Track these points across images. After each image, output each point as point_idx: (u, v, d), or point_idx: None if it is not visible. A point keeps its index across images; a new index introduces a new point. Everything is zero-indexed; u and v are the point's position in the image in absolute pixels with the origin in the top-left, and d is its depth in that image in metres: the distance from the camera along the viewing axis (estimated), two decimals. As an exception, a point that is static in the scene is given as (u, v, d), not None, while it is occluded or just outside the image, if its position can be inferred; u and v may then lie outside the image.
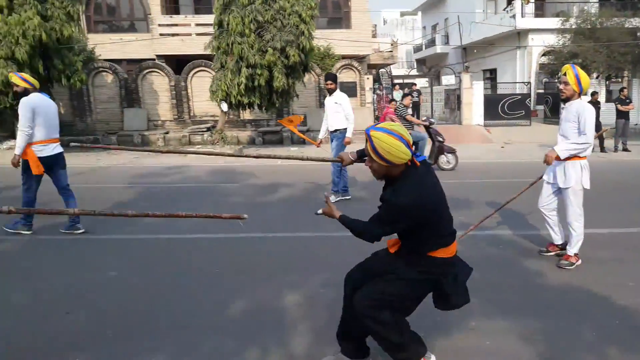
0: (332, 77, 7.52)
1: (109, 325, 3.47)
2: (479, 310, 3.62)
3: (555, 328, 3.40)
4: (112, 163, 12.88)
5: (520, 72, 25.84)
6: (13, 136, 16.21)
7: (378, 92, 24.23)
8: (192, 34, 21.33)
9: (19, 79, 5.61)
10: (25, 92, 5.59)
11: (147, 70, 19.18)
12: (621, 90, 15.14)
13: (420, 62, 39.99)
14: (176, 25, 21.73)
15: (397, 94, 20.84)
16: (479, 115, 20.37)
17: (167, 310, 3.72)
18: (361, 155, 3.01)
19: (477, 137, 17.97)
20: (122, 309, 3.75)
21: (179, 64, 20.87)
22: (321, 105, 19.88)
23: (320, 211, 2.83)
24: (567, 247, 4.62)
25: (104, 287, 4.20)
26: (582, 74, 4.29)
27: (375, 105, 21.85)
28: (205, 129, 18.01)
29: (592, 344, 3.18)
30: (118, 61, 20.79)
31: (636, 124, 18.60)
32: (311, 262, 4.83)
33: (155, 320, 3.55)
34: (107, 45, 20.50)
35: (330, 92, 7.54)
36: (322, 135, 7.79)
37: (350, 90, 20.02)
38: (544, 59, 24.91)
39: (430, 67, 32.84)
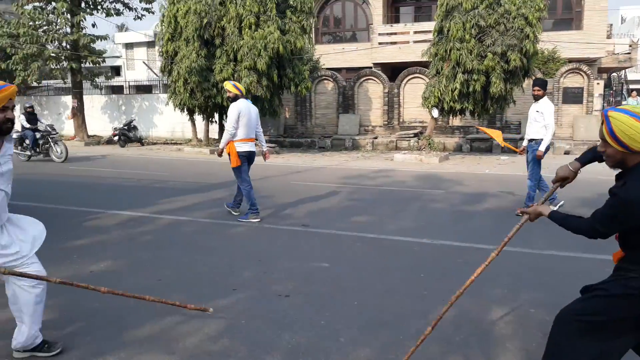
0: (540, 83, 7.06)
1: (319, 311, 3.83)
2: None
3: None
4: (326, 164, 13.97)
5: None
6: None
7: (610, 98, 21.45)
8: (409, 41, 21.85)
9: (232, 87, 6.69)
10: (235, 98, 6.65)
11: (364, 78, 20.26)
12: None
13: (668, 64, 34.03)
14: (395, 33, 22.50)
15: (633, 102, 18.15)
16: None
17: (370, 305, 3.93)
18: (585, 162, 2.65)
19: None
20: (331, 298, 4.09)
21: (394, 71, 21.59)
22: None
23: (520, 212, 2.69)
24: None
25: (317, 276, 4.64)
26: None
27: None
28: (412, 135, 18.26)
29: None
30: (338, 69, 22.46)
31: None
32: (517, 278, 4.56)
33: (359, 313, 3.79)
34: (330, 55, 22.30)
35: (537, 98, 7.06)
36: (524, 143, 7.37)
37: (576, 96, 18.16)
38: None
39: (682, 70, 27.68)
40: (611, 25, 26.01)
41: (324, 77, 20.77)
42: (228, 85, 6.73)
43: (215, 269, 4.81)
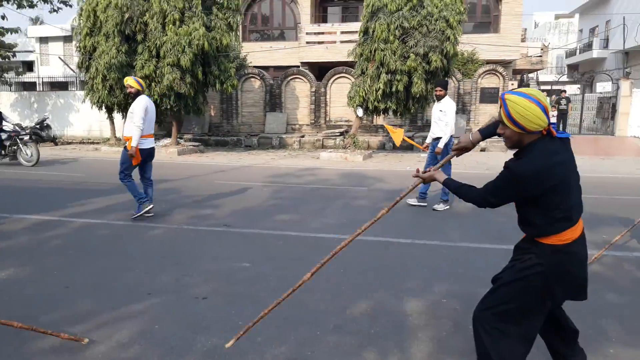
0: (441, 84, 7.47)
1: (238, 312, 3.77)
2: (621, 338, 3.30)
3: None
4: (253, 163, 13.84)
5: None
6: (169, 134, 18.24)
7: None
8: (336, 41, 22.11)
9: (135, 82, 6.58)
10: (138, 94, 6.57)
11: (291, 77, 20.28)
12: None
13: (572, 67, 36.83)
14: (322, 33, 22.70)
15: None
16: (636, 126, 18.16)
17: (289, 303, 3.91)
18: (486, 135, 2.73)
19: (631, 150, 16.10)
20: (251, 298, 4.04)
21: (321, 70, 21.77)
22: (458, 111, 19.31)
23: (415, 174, 2.79)
24: None
25: (238, 276, 4.57)
26: None
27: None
28: (338, 133, 18.52)
29: None
30: (266, 68, 22.33)
31: None
32: (432, 270, 4.74)
33: (277, 312, 3.75)
34: (257, 53, 22.10)
35: (439, 98, 7.45)
36: (428, 140, 7.75)
37: (492, 96, 19.18)
38: None
39: (584, 73, 30.00)
40: (525, 29, 27.72)
41: (251, 75, 20.57)
42: (130, 81, 6.57)
43: (129, 274, 4.61)
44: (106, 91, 15.73)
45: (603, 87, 21.80)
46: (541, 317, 2.44)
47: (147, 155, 6.66)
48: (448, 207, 7.47)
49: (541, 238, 2.37)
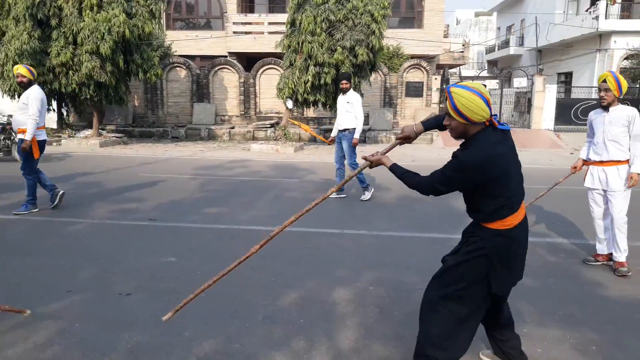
0: (346, 77, 7.62)
1: (163, 307, 3.68)
2: (534, 317, 3.55)
3: (613, 341, 3.24)
4: (180, 155, 13.47)
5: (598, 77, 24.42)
6: (90, 126, 17.35)
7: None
8: (264, 32, 21.89)
9: (27, 71, 6.20)
10: (30, 83, 6.24)
11: (219, 67, 19.88)
12: None
13: (492, 63, 38.83)
14: (250, 23, 22.38)
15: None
16: (549, 120, 19.50)
17: (219, 296, 3.87)
18: (428, 127, 2.83)
19: (546, 142, 17.25)
20: (176, 293, 3.96)
21: (249, 61, 21.49)
22: (385, 104, 19.81)
23: (364, 157, 2.85)
24: (616, 253, 4.52)
25: (163, 271, 4.45)
26: (622, 79, 4.32)
27: (441, 105, 21.46)
28: (269, 125, 18.43)
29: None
30: (192, 57, 21.72)
31: None
32: (361, 259, 4.86)
33: (206, 306, 3.71)
34: (182, 42, 21.44)
35: (344, 91, 7.58)
36: (334, 133, 7.85)
37: (417, 90, 19.82)
38: (626, 63, 23.39)
39: (502, 68, 31.72)
40: (448, 25, 28.82)
41: (176, 65, 19.96)
42: (22, 70, 6.17)
43: (47, 271, 4.36)
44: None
45: (519, 82, 23.12)
46: (487, 300, 2.57)
47: (43, 147, 6.40)
48: (372, 190, 7.63)
49: (486, 223, 2.51)
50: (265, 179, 9.51)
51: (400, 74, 19.81)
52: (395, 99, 19.92)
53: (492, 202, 2.44)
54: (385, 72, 19.76)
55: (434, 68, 22.67)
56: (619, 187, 4.43)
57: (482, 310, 2.59)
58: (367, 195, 7.58)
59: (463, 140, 2.50)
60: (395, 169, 2.67)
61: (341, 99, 7.64)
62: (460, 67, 30.50)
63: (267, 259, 4.73)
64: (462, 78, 30.54)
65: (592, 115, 4.69)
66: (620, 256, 4.48)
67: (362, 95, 16.24)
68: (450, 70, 28.76)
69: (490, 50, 39.18)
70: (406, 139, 2.87)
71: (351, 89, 7.63)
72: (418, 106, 19.79)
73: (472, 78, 32.31)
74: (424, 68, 19.79)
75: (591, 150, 4.67)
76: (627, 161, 4.44)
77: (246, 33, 22.23)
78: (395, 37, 20.97)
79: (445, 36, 26.20)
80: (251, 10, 24.33)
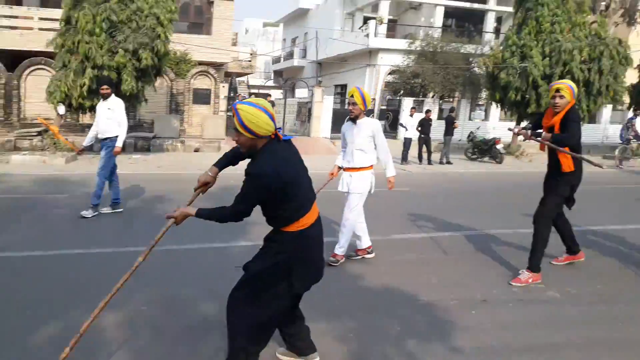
0: (107, 81, 7.32)
1: None
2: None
3: (367, 326, 3.69)
4: None
5: (368, 89, 27.57)
6: None
7: (236, 99, 24.27)
8: (34, 28, 19.34)
9: None
10: None
11: (-29, 65, 16.84)
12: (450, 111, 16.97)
13: (278, 73, 40.81)
14: (17, 17, 19.56)
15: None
16: (326, 129, 21.37)
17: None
18: (221, 167, 2.95)
19: (323, 149, 18.81)
20: None
21: (14, 60, 18.65)
22: (172, 111, 19.29)
23: (169, 215, 2.79)
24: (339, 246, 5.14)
25: None
26: (367, 94, 4.96)
27: (229, 114, 21.78)
28: (35, 133, 16.24)
29: (396, 338, 3.53)
30: None
31: (459, 140, 20.86)
32: (133, 277, 4.58)
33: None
34: None
35: (105, 97, 7.07)
36: (87, 142, 7.32)
37: (205, 97, 19.70)
38: (390, 78, 26.93)
39: (287, 79, 33.64)
40: (237, 34, 29.34)
41: None
42: None
43: None
44: None
45: (301, 93, 24.78)
46: (288, 300, 2.77)
47: None
48: (97, 213, 6.96)
49: (284, 227, 2.67)
50: (25, 196, 8.30)
51: (188, 80, 19.48)
52: (183, 105, 19.49)
53: (287, 207, 2.62)
54: (172, 77, 19.22)
55: (222, 76, 22.88)
56: (356, 189, 5.02)
57: (283, 311, 2.80)
58: (89, 212, 6.87)
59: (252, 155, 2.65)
60: (201, 214, 2.69)
61: (101, 105, 7.04)
62: (248, 75, 31.45)
63: (28, 290, 4.13)
64: (249, 87, 31.54)
65: (344, 127, 5.27)
66: (338, 250, 5.10)
67: (146, 101, 15.69)
68: (238, 79, 29.43)
69: (276, 60, 41.17)
70: (205, 185, 2.93)
71: (113, 95, 7.08)
72: (206, 113, 19.70)
73: (259, 87, 33.57)
74: (212, 75, 19.80)
75: (344, 158, 5.21)
76: (371, 167, 5.08)
77: (11, 28, 19.38)
78: (183, 42, 20.49)
79: (234, 44, 26.67)
80: (19, 2, 21.25)
